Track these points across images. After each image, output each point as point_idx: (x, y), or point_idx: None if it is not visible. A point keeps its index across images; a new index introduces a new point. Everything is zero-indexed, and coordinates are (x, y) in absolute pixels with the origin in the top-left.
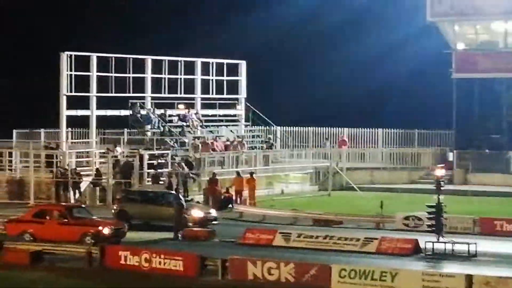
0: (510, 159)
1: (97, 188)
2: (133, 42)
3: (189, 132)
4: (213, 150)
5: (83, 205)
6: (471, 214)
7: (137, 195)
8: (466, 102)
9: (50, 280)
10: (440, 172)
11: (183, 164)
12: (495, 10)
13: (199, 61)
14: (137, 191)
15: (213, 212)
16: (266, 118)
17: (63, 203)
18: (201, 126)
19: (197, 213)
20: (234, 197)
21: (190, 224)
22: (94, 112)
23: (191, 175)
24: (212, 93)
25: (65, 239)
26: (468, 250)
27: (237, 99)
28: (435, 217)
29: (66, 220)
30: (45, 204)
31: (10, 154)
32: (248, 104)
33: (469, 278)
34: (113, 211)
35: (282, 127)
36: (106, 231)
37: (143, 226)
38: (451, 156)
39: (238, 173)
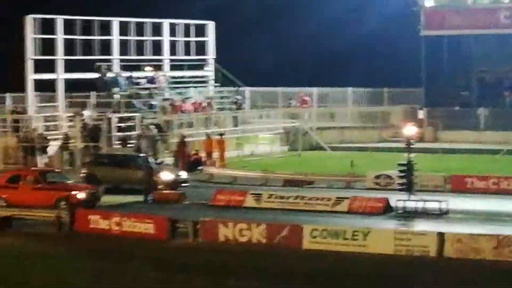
0: (479, 116)
1: (65, 152)
2: (99, 4)
3: (157, 94)
4: (182, 112)
5: (57, 169)
6: (442, 171)
7: (106, 159)
8: (435, 59)
9: (19, 246)
10: (410, 130)
11: (151, 126)
12: None
13: (166, 22)
14: (106, 155)
15: (184, 175)
16: (234, 79)
17: (37, 168)
18: (169, 88)
19: (167, 175)
20: (204, 159)
21: (160, 186)
22: (60, 76)
23: (159, 137)
24: (180, 55)
25: (40, 204)
26: (439, 207)
27: (205, 60)
28: (406, 175)
29: (40, 185)
30: (19, 168)
31: None
32: (216, 65)
33: (440, 235)
34: (81, 175)
35: (251, 87)
36: (81, 195)
37: (113, 190)
38: (421, 114)
39: (207, 135)
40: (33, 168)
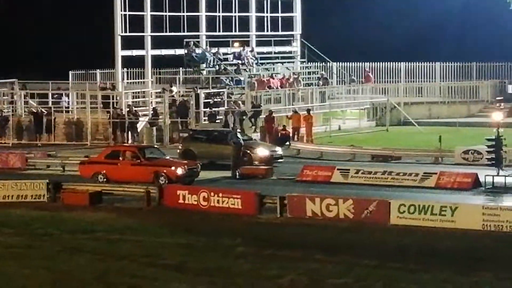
0: None
1: (154, 128)
2: None
3: (244, 70)
4: (269, 87)
5: (155, 145)
6: None
7: (202, 135)
8: None
9: (110, 220)
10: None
11: (239, 102)
12: None
13: None
14: (202, 131)
15: (279, 150)
16: (321, 54)
17: (136, 144)
18: (256, 63)
19: (262, 151)
20: (291, 135)
21: (256, 162)
22: (149, 52)
23: (246, 113)
24: (267, 30)
25: (138, 179)
26: None
27: (292, 35)
28: (494, 150)
29: (139, 161)
30: (118, 145)
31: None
32: (303, 40)
33: None
34: (178, 150)
35: (338, 63)
36: (179, 171)
37: (207, 165)
38: (510, 89)
39: (295, 110)
40: (132, 144)
